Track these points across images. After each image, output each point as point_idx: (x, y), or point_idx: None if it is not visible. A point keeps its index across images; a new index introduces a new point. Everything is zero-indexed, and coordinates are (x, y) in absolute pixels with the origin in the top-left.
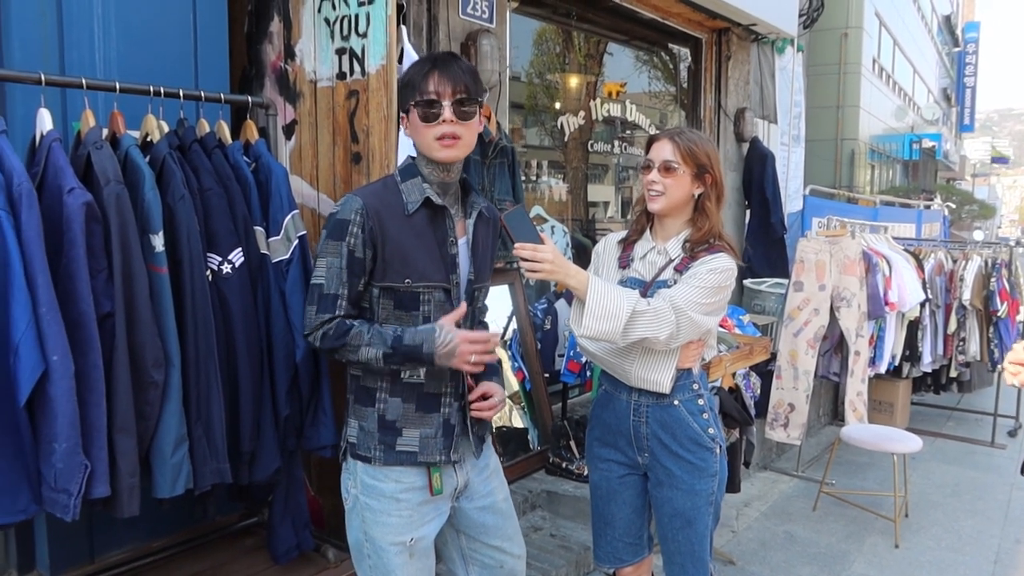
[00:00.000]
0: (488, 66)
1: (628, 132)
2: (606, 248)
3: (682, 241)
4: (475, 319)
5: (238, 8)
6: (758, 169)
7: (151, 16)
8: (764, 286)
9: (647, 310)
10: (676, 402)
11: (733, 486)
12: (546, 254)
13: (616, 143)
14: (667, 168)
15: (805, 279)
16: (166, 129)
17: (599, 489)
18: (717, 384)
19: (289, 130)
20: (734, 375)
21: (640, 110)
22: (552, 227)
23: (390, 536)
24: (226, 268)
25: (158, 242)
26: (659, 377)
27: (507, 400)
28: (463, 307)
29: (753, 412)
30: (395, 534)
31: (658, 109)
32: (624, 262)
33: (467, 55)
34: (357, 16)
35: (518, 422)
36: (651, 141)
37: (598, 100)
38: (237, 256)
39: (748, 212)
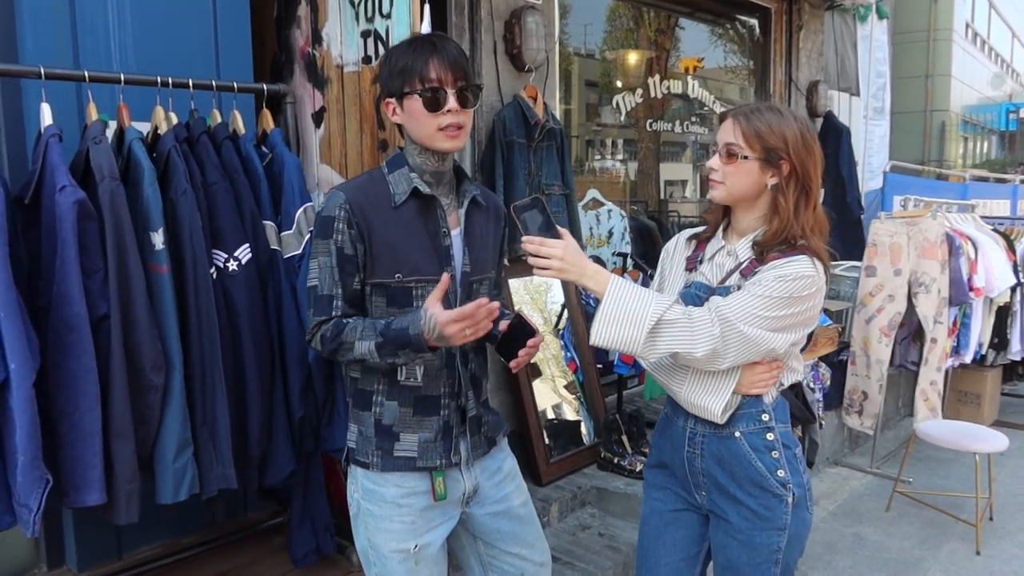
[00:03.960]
0: (533, 44)
1: (703, 108)
2: (676, 246)
3: (752, 241)
4: None
5: None
6: (832, 146)
7: (168, 4)
8: (839, 269)
9: (679, 319)
10: (737, 434)
11: None
12: (554, 250)
13: (685, 121)
14: (729, 153)
15: (878, 263)
16: (175, 121)
17: (647, 524)
18: None
19: (318, 118)
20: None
21: (704, 85)
22: (609, 211)
23: (393, 543)
24: (232, 265)
25: (158, 240)
26: (709, 402)
27: (561, 391)
28: (444, 279)
29: (821, 406)
30: (398, 541)
31: (726, 83)
32: (692, 263)
33: (511, 33)
34: None
35: (571, 414)
36: (721, 121)
37: (657, 76)
38: (244, 252)
39: (822, 191)
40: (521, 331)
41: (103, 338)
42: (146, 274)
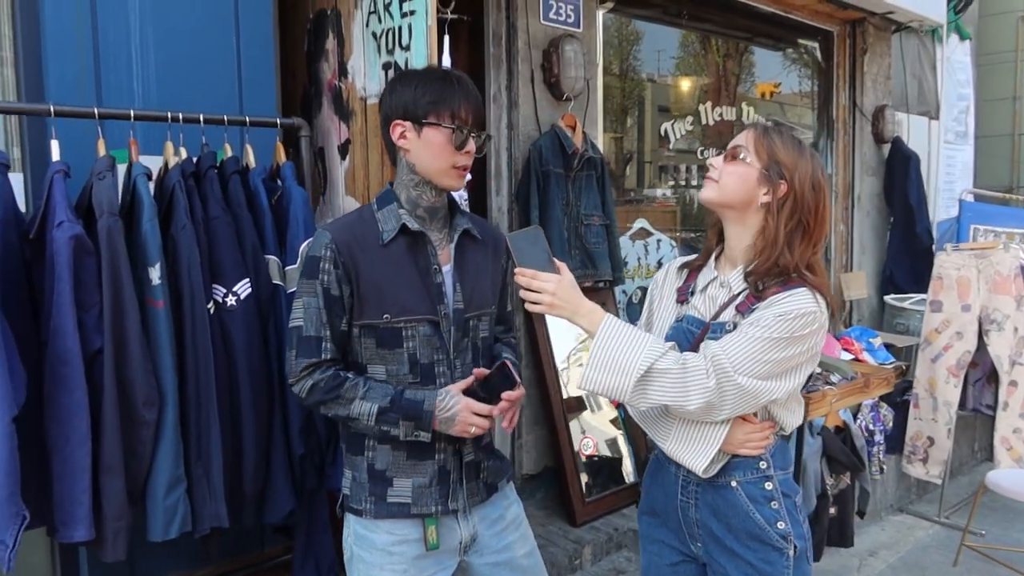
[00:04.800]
0: (572, 73)
1: None
2: (666, 276)
3: (744, 272)
4: (479, 353)
5: (299, 27)
6: (900, 173)
7: (191, 43)
8: (908, 303)
9: (670, 369)
10: (733, 483)
11: (844, 539)
12: (547, 284)
13: None
14: (733, 155)
15: (944, 298)
16: (184, 155)
17: (648, 574)
18: (820, 423)
19: (344, 150)
20: (858, 409)
21: (761, 111)
22: (658, 240)
23: None
24: (231, 300)
25: (155, 275)
26: (694, 456)
27: (604, 426)
28: (477, 373)
29: (882, 449)
30: None
31: (788, 108)
32: (683, 295)
33: (548, 62)
34: (401, 28)
35: (613, 451)
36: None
37: (709, 103)
38: (243, 287)
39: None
40: (502, 381)
41: (97, 373)
42: (143, 309)
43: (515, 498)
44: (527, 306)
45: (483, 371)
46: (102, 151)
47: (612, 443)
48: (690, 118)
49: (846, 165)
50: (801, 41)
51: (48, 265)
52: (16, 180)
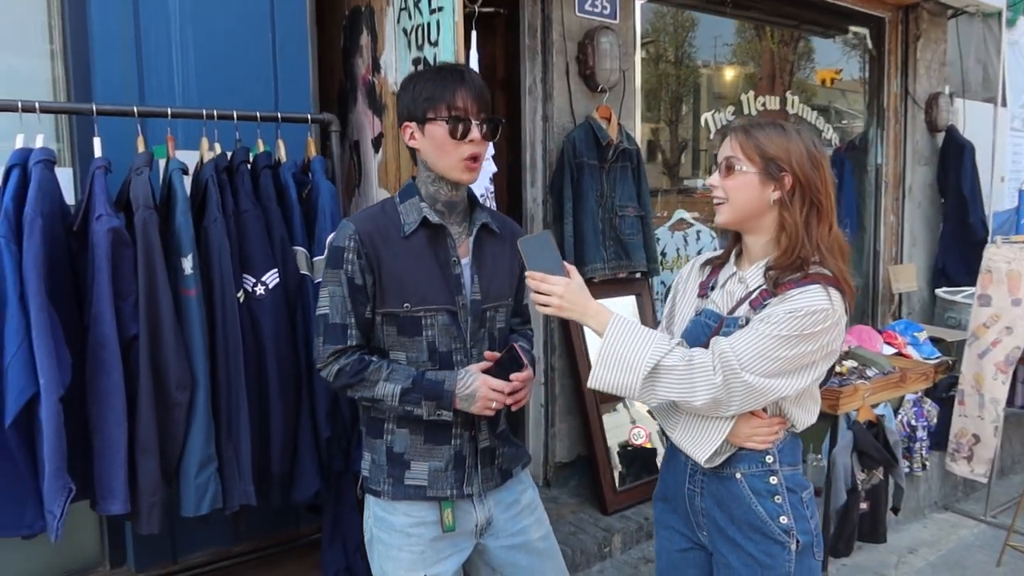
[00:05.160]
0: (607, 65)
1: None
2: (690, 272)
3: (764, 268)
4: (495, 342)
5: (336, 25)
6: (955, 162)
7: (228, 42)
8: (960, 296)
9: (677, 366)
10: (737, 475)
11: (876, 535)
12: (556, 287)
13: None
14: (728, 167)
15: (993, 292)
16: (219, 151)
17: (660, 560)
18: (852, 417)
19: (377, 143)
20: (900, 404)
21: (808, 101)
22: (698, 232)
23: (401, 571)
24: (260, 289)
25: (188, 265)
26: (697, 446)
27: (642, 416)
28: (489, 356)
29: (926, 446)
30: (406, 570)
31: (837, 97)
32: (703, 290)
33: (583, 54)
34: (429, 24)
35: (649, 441)
36: (721, 139)
37: (752, 93)
38: (272, 277)
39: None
40: (511, 364)
41: (133, 357)
42: (176, 297)
43: (530, 483)
44: (537, 308)
45: (494, 354)
46: (141, 147)
47: (642, 433)
48: (732, 108)
49: (897, 154)
50: (851, 28)
51: (89, 256)
52: (65, 175)
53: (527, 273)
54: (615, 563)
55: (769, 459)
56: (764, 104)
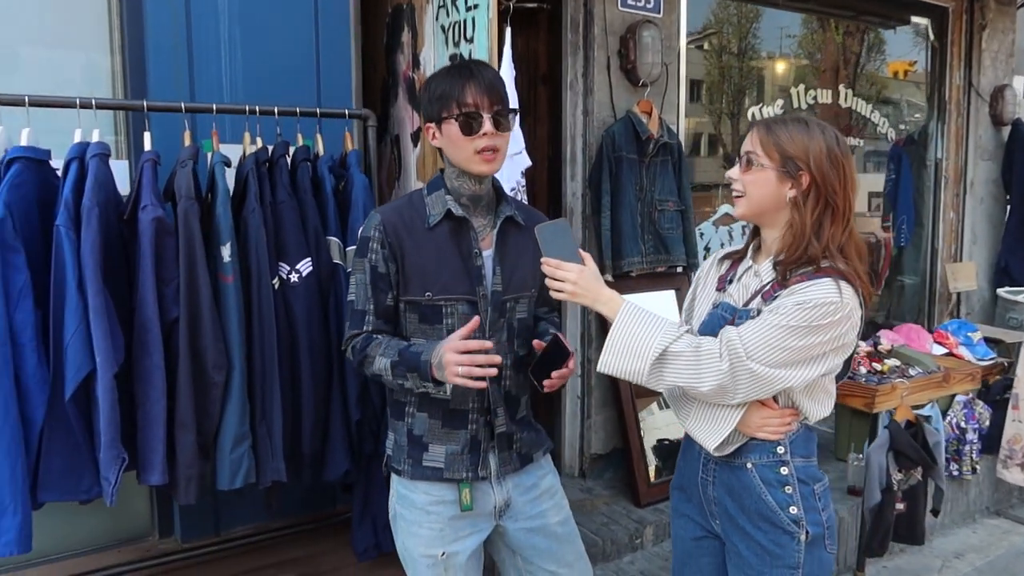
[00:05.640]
0: (649, 59)
1: (857, 122)
2: (711, 266)
3: (773, 262)
4: (515, 332)
5: (380, 22)
6: (1020, 157)
7: (274, 41)
8: (1022, 296)
9: (684, 351)
10: (748, 465)
11: (913, 536)
12: (570, 274)
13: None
14: (747, 162)
15: None
16: (260, 144)
17: (676, 547)
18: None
19: (415, 137)
20: (949, 405)
21: (865, 94)
22: (743, 226)
23: (421, 547)
24: (294, 277)
25: (226, 253)
26: (707, 434)
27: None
28: (474, 321)
29: (976, 449)
30: (425, 546)
31: (896, 90)
32: (722, 283)
33: (625, 48)
34: (465, 21)
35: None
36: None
37: (802, 86)
38: (305, 265)
39: (1008, 208)
40: (557, 353)
41: (175, 339)
42: (215, 283)
43: (551, 469)
44: (551, 294)
45: (540, 343)
46: (187, 141)
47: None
48: (781, 101)
49: (958, 149)
50: (913, 18)
51: (137, 243)
52: (121, 167)
53: (542, 259)
54: (646, 555)
55: (780, 450)
56: (815, 97)
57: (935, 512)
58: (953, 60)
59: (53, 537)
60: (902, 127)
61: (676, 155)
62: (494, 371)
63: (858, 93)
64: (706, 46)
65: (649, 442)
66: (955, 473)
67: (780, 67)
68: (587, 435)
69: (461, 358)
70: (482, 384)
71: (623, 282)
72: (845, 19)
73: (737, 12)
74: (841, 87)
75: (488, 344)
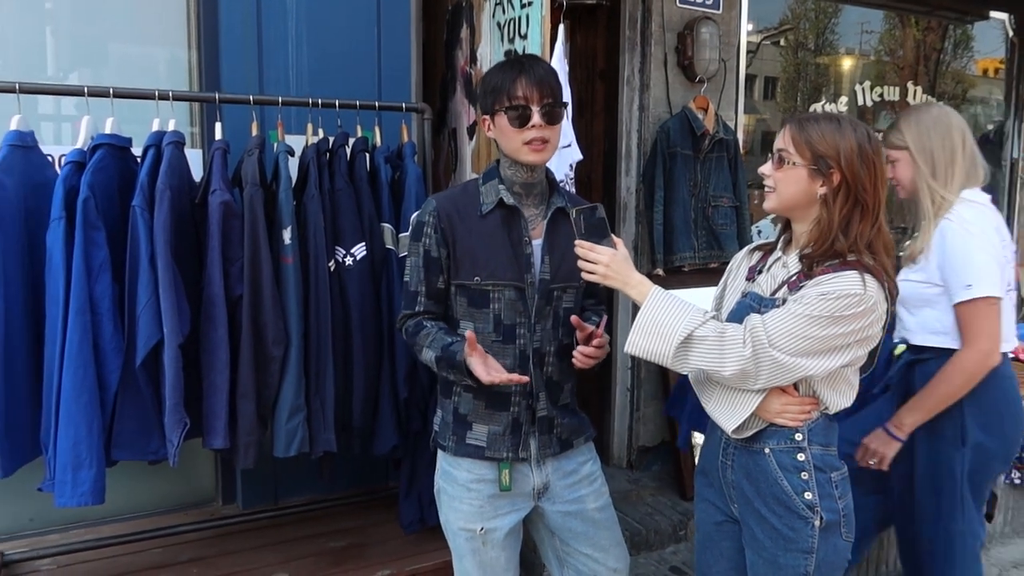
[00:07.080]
0: (706, 55)
1: None
2: (743, 257)
3: (800, 254)
4: (559, 321)
5: (441, 19)
6: None
7: (338, 38)
8: None
9: (709, 336)
10: (766, 450)
11: None
12: (602, 256)
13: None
14: (780, 159)
15: None
16: (321, 135)
17: (699, 531)
18: None
19: (471, 131)
20: None
21: (931, 91)
22: None
23: (461, 521)
24: (348, 260)
25: (287, 236)
26: (726, 416)
27: None
28: (469, 336)
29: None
30: (465, 521)
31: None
32: (751, 274)
33: (683, 44)
34: (520, 19)
35: None
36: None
37: (867, 83)
38: (360, 250)
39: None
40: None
41: (238, 315)
42: (276, 264)
43: (592, 456)
44: (583, 275)
45: (578, 319)
46: (255, 131)
47: None
48: (844, 99)
49: None
50: (991, 13)
51: (206, 225)
52: (195, 155)
53: (576, 241)
54: (689, 546)
55: (798, 436)
56: (881, 95)
57: (989, 517)
58: None
59: (127, 498)
60: (977, 125)
61: (732, 151)
62: (525, 378)
63: (937, 91)
64: (785, 41)
65: (697, 436)
66: (1016, 481)
67: (846, 64)
68: (636, 427)
69: (487, 368)
70: (525, 378)
71: (674, 276)
72: (919, 15)
73: (815, 7)
74: (909, 84)
75: (513, 378)
